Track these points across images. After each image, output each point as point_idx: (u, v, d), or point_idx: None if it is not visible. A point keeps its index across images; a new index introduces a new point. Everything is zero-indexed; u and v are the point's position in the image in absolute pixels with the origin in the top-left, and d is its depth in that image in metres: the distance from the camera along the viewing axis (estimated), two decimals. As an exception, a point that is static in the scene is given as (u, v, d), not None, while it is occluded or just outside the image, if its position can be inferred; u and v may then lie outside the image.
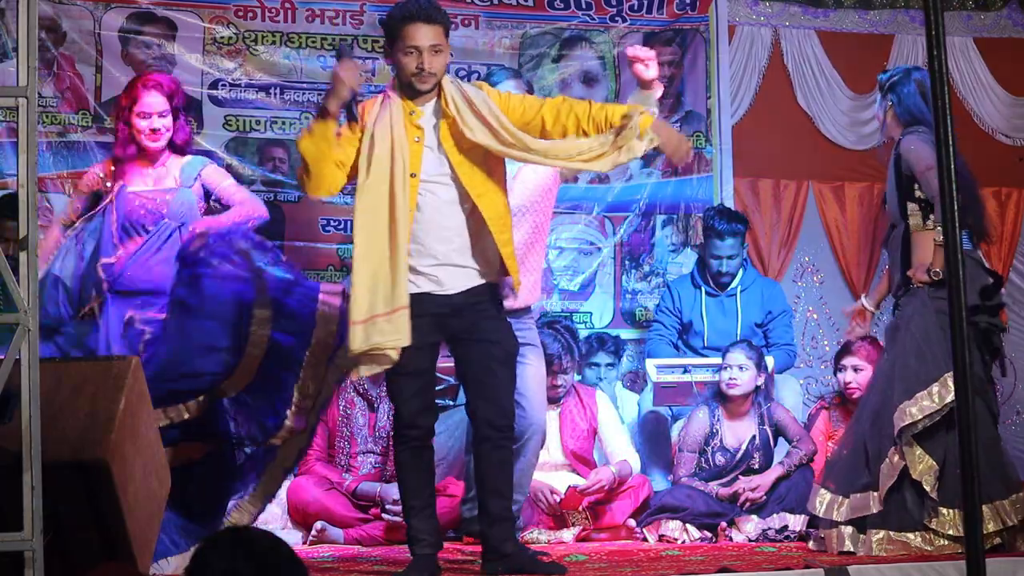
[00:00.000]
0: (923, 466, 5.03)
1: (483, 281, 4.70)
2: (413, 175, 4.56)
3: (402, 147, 4.55)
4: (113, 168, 5.49)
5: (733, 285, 6.69)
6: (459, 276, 4.67)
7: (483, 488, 4.77)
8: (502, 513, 4.74)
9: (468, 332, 4.70)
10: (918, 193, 5.16)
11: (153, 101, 5.42)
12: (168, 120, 5.44)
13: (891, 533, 5.06)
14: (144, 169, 5.47)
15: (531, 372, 5.41)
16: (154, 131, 5.41)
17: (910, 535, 5.03)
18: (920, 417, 5.02)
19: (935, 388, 5.03)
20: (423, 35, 4.57)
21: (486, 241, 4.66)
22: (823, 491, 5.23)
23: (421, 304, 4.58)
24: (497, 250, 4.66)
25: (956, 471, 4.94)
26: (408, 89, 4.62)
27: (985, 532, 4.90)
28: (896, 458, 5.06)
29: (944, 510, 5.00)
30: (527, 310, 5.48)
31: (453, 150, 4.61)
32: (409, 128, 4.59)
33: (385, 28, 4.69)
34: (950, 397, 4.93)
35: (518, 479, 5.27)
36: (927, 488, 5.00)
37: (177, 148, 5.52)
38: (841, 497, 5.16)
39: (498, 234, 4.64)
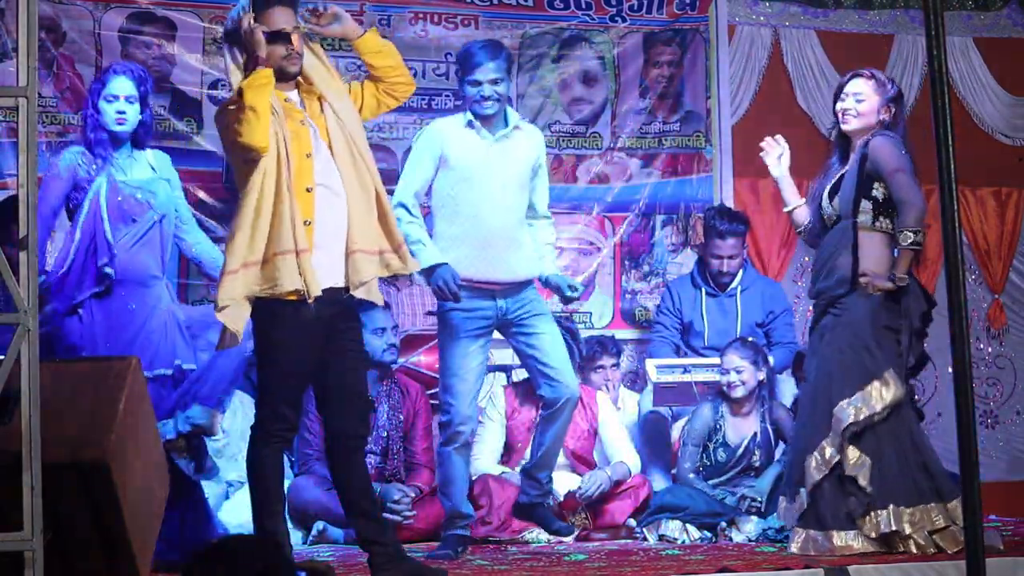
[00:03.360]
0: (856, 461, 5.08)
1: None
2: (309, 155, 4.46)
3: (293, 129, 4.45)
4: (90, 155, 5.26)
5: (733, 285, 6.69)
6: (341, 271, 4.52)
7: (364, 497, 4.63)
8: (385, 519, 4.74)
9: (342, 336, 4.56)
10: (875, 192, 5.19)
11: (121, 85, 5.23)
12: (136, 107, 5.25)
13: (812, 532, 5.14)
14: (115, 158, 5.27)
15: (548, 341, 5.41)
16: (120, 113, 5.21)
17: (834, 533, 5.08)
18: (864, 416, 5.08)
19: (876, 386, 5.10)
20: (287, 19, 4.48)
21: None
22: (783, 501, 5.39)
23: (330, 297, 4.46)
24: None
25: (893, 470, 5.10)
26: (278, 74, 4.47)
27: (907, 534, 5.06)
28: (829, 452, 5.12)
29: (873, 512, 5.07)
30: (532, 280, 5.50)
31: (327, 134, 4.54)
32: (292, 112, 4.49)
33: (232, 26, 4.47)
34: (891, 397, 5.09)
35: (551, 447, 5.45)
36: (862, 481, 5.05)
37: (137, 141, 5.33)
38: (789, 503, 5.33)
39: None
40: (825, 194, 5.31)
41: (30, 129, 3.66)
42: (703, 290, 6.70)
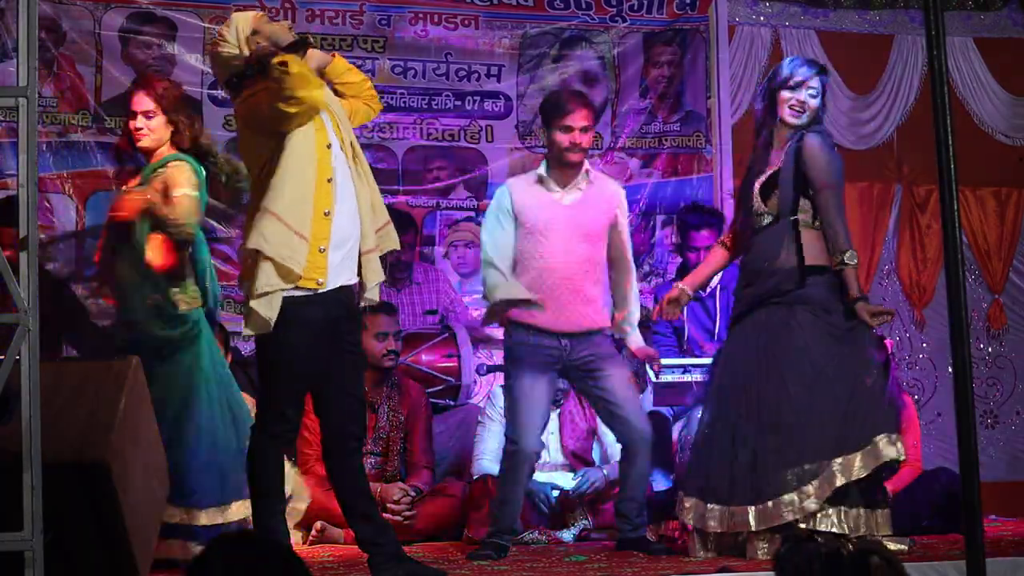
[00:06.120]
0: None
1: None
2: (329, 146, 4.46)
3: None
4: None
5: (713, 283, 6.65)
6: (353, 269, 4.52)
7: (363, 498, 4.62)
8: (385, 520, 4.73)
9: (344, 337, 4.52)
10: (811, 192, 5.02)
11: (139, 101, 5.19)
12: (155, 122, 5.18)
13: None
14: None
15: (616, 382, 5.42)
16: (137, 130, 5.17)
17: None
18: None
19: (858, 458, 4.89)
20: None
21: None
22: (689, 499, 5.10)
23: (338, 297, 4.45)
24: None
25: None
26: None
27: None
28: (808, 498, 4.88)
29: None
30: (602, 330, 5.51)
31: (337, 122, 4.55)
32: None
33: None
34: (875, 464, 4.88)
35: (630, 488, 5.40)
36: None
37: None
38: (713, 505, 5.02)
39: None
40: (756, 192, 5.12)
41: (30, 129, 3.66)
42: None
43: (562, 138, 5.36)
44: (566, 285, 5.35)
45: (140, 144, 5.22)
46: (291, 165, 4.34)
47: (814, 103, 5.11)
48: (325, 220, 4.37)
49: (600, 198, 5.47)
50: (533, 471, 5.53)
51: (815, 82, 5.14)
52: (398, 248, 4.74)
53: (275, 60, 4.32)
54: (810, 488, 4.87)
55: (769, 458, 4.94)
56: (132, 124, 5.20)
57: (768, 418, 4.98)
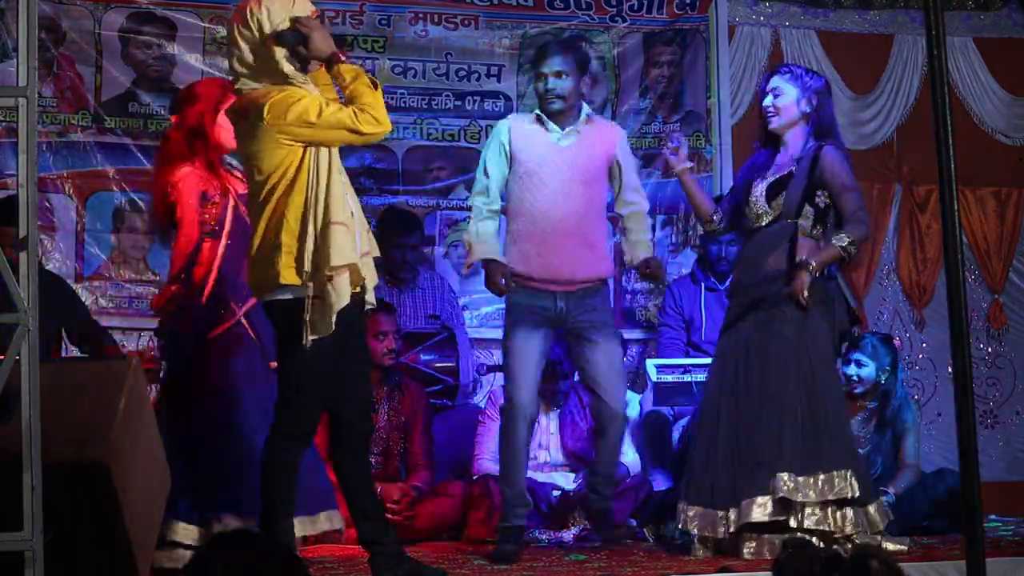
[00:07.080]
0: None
1: None
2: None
3: None
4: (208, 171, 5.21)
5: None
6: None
7: (367, 497, 4.63)
8: (387, 520, 4.74)
9: (353, 337, 4.55)
10: (817, 200, 5.16)
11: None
12: None
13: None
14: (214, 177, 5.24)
15: (601, 354, 5.42)
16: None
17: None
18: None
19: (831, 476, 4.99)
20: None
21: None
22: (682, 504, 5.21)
23: (356, 298, 4.49)
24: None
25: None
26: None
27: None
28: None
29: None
30: (603, 284, 5.52)
31: None
32: None
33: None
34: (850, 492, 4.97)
35: (602, 462, 5.51)
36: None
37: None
38: (700, 509, 5.14)
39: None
40: (762, 193, 5.24)
41: (30, 129, 3.66)
42: (703, 285, 6.71)
43: (538, 85, 5.41)
44: (563, 229, 5.33)
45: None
46: (332, 175, 4.38)
47: (779, 103, 5.25)
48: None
49: (598, 139, 5.47)
50: (531, 433, 5.51)
51: (774, 82, 5.31)
52: (378, 255, 4.72)
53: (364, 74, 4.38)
54: (761, 499, 4.98)
55: (738, 464, 5.05)
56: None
57: (746, 426, 5.10)
